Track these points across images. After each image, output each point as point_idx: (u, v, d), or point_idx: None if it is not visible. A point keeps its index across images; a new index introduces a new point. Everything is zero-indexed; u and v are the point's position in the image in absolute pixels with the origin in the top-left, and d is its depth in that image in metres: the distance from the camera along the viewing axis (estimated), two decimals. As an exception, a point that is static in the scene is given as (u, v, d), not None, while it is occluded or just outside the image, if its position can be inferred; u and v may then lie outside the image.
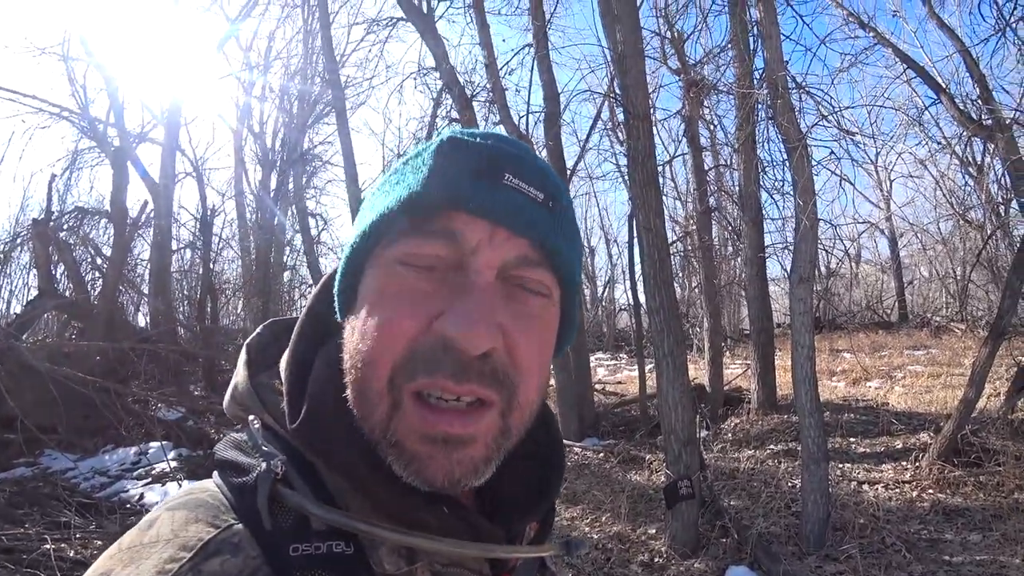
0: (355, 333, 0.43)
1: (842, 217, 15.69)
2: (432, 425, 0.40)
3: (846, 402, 6.73)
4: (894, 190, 16.17)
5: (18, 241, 11.51)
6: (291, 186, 11.81)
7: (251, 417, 0.48)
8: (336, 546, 0.40)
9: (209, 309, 10.96)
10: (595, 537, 4.05)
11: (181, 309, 12.87)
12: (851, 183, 4.76)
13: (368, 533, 0.40)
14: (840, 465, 4.72)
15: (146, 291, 10.60)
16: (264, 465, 0.42)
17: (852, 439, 5.34)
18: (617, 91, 4.41)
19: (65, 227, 10.38)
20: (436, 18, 6.06)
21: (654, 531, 4.01)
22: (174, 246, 11.73)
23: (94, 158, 11.39)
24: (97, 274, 10.50)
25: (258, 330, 0.54)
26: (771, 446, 5.40)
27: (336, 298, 0.48)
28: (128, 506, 5.55)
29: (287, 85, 11.35)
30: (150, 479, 6.05)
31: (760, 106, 4.16)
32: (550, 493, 0.51)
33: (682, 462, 3.72)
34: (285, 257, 13.88)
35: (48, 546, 3.28)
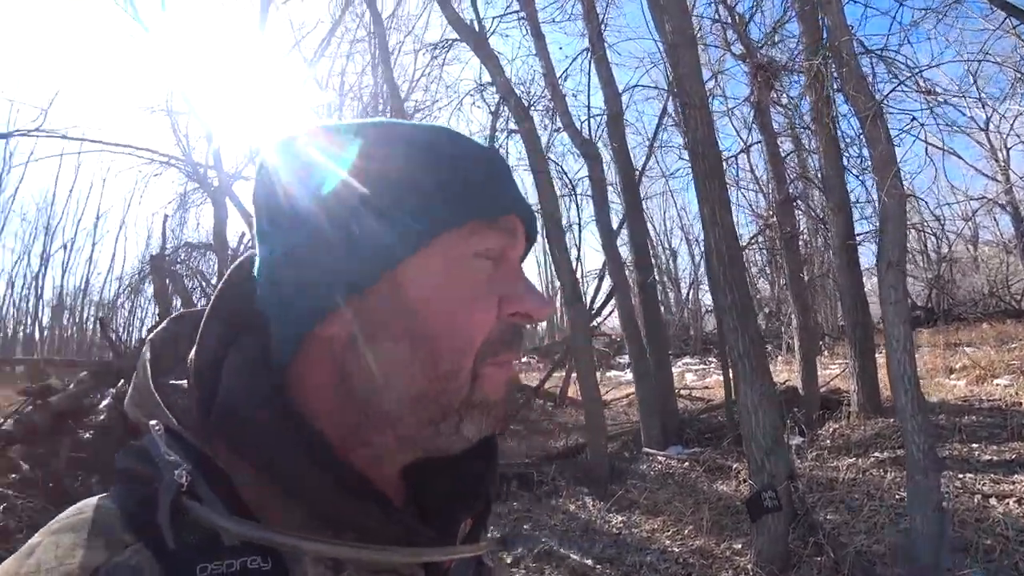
0: (430, 328, 0.43)
1: (951, 194, 13.96)
2: (511, 373, 0.46)
3: (967, 403, 5.97)
4: (1012, 159, 14.26)
5: (142, 275, 12.99)
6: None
7: (152, 422, 0.43)
8: (252, 562, 0.37)
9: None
10: (676, 551, 3.83)
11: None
12: (953, 153, 4.24)
13: (286, 545, 0.37)
14: (960, 476, 4.17)
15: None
16: (166, 475, 0.38)
17: (975, 445, 4.71)
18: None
19: (178, 261, 11.55)
20: (488, 34, 6.13)
21: (740, 546, 3.73)
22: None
23: (199, 198, 12.52)
24: (206, 300, 11.51)
25: (163, 324, 0.50)
26: (875, 453, 4.88)
27: (315, 295, 0.43)
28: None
29: (360, 116, 11.91)
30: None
31: (834, 77, 3.81)
32: (484, 488, 0.50)
33: (766, 471, 3.44)
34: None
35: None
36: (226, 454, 0.40)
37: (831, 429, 5.69)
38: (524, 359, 14.92)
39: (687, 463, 5.56)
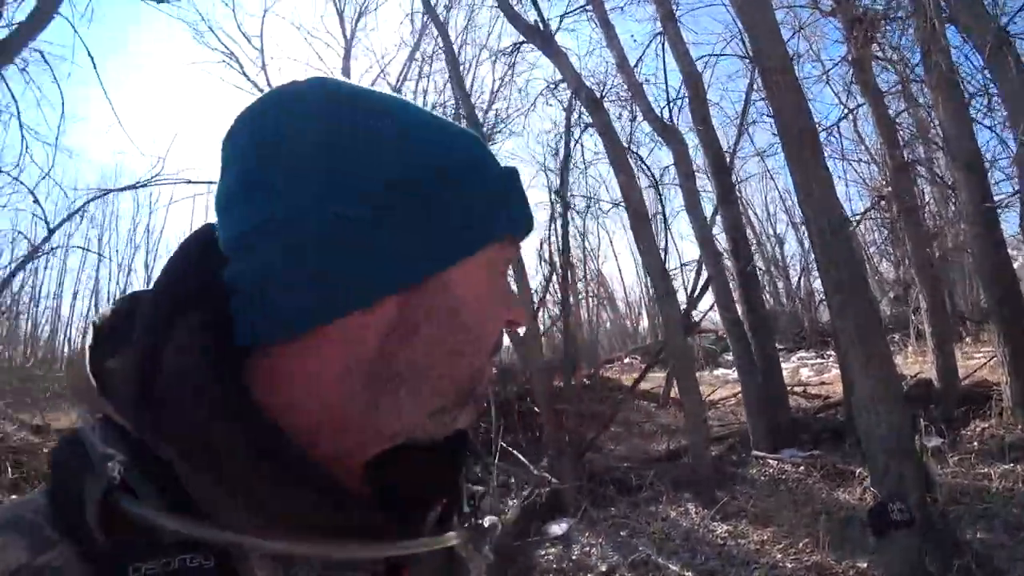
0: (468, 329, 0.44)
1: None
2: (492, 369, 0.49)
3: None
4: None
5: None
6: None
7: (85, 410, 0.40)
8: (192, 560, 0.34)
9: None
10: (788, 567, 3.44)
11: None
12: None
13: (230, 542, 0.35)
14: None
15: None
16: (97, 468, 0.35)
17: None
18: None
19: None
20: (554, 31, 6.02)
21: (864, 564, 3.27)
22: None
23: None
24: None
25: (111, 305, 0.46)
26: (1038, 457, 4.12)
27: (336, 284, 0.40)
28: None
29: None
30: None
31: (943, 6, 3.25)
32: (453, 475, 0.49)
33: (890, 477, 2.98)
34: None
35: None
36: (165, 444, 0.37)
37: (978, 429, 4.91)
38: (627, 359, 14.54)
39: (802, 467, 5.04)
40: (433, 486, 0.47)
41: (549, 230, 6.83)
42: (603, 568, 4.07)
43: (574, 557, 4.36)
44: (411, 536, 0.44)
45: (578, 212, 9.10)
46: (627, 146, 6.45)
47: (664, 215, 7.21)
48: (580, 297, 12.23)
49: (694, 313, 7.65)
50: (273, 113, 0.43)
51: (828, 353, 13.05)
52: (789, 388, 7.15)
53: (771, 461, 5.35)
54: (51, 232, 4.34)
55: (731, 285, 6.59)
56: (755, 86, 6.33)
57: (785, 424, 6.02)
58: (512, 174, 0.48)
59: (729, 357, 11.26)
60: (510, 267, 0.54)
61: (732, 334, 6.34)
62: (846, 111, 6.18)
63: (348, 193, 0.40)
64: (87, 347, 0.42)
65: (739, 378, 6.38)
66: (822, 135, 4.96)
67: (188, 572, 0.34)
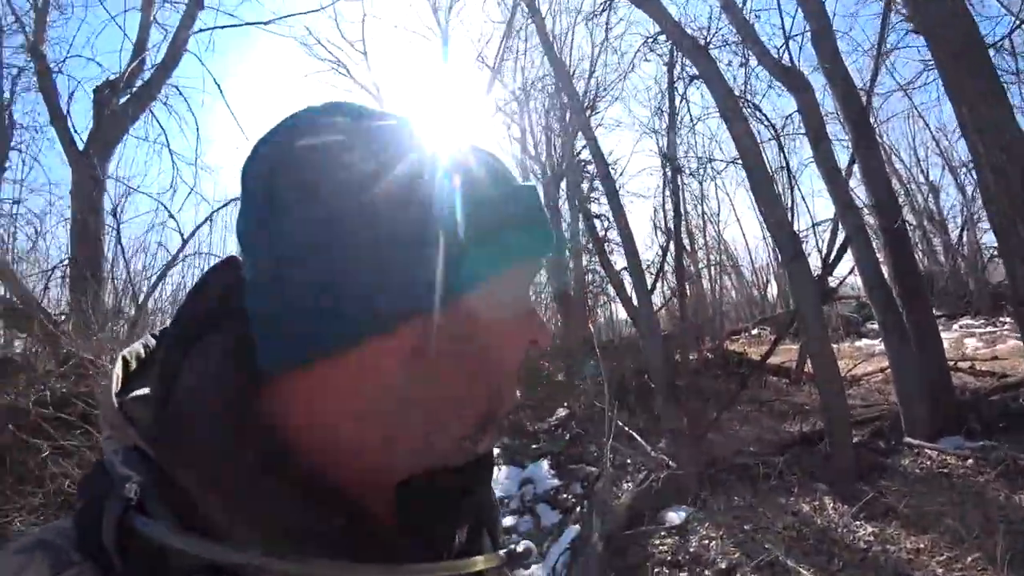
0: (491, 353, 0.45)
1: None
2: (515, 391, 0.48)
3: None
4: None
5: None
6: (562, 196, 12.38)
7: (106, 435, 0.42)
8: None
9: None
10: (955, 585, 2.85)
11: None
12: None
13: (246, 564, 0.35)
14: None
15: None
16: (116, 491, 0.37)
17: None
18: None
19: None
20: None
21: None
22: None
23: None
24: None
25: (141, 339, 0.49)
26: None
27: (355, 309, 0.41)
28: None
29: (548, 107, 11.99)
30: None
31: None
32: (479, 490, 0.50)
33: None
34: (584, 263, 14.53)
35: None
36: (181, 468, 0.38)
37: None
38: (755, 331, 13.61)
39: (970, 461, 4.23)
40: (458, 509, 0.48)
41: (662, 196, 6.33)
42: (723, 565, 3.70)
43: (691, 550, 4.03)
44: (435, 560, 0.43)
45: (692, 174, 8.42)
46: (740, 96, 5.73)
47: (788, 170, 6.41)
48: (701, 265, 11.47)
49: (830, 278, 6.80)
50: (292, 145, 0.42)
51: (1002, 320, 11.06)
52: (952, 363, 6.10)
53: (929, 452, 4.56)
54: (185, 242, 4.77)
55: (875, 245, 5.69)
56: (893, 3, 5.28)
57: (948, 406, 5.10)
58: (529, 193, 0.47)
59: (873, 326, 9.94)
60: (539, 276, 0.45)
61: (876, 300, 5.48)
62: (1017, 21, 4.94)
63: (357, 216, 0.40)
64: (114, 375, 0.44)
65: (886, 351, 5.52)
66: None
67: None
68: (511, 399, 0.47)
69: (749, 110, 5.72)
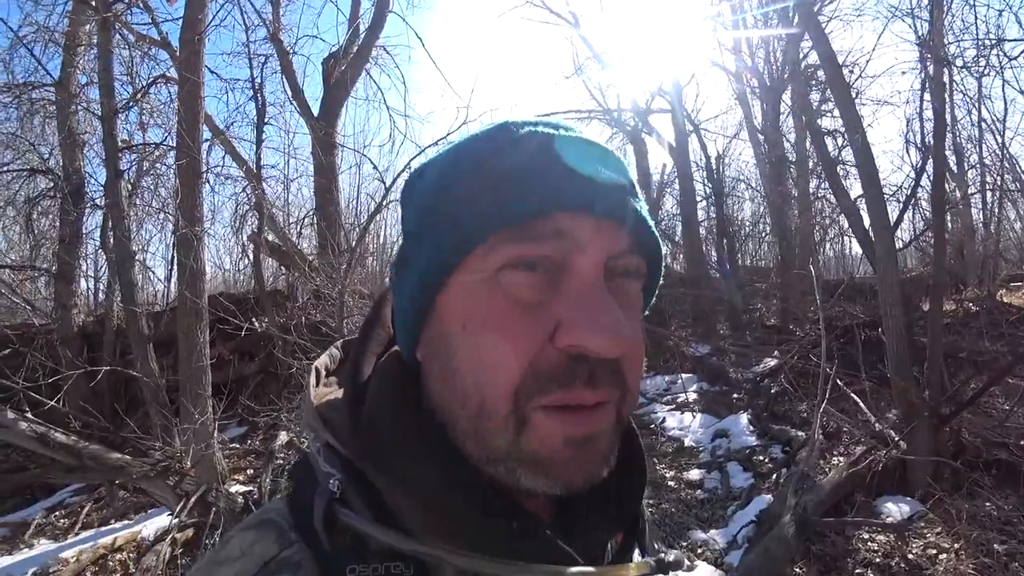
0: (458, 360, 0.42)
1: None
2: (573, 429, 0.41)
3: None
4: None
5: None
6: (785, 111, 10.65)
7: (312, 436, 0.49)
8: (395, 567, 0.41)
9: (727, 251, 11.30)
10: None
11: (709, 255, 13.85)
12: None
13: (425, 555, 0.40)
14: None
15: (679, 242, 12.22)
16: (322, 484, 0.44)
17: None
18: None
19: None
20: None
21: None
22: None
23: (618, 144, 13.54)
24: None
25: (329, 350, 0.58)
26: None
27: (407, 322, 0.47)
28: (652, 426, 6.36)
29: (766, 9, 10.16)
30: (674, 406, 6.93)
31: None
32: (632, 499, 0.50)
33: None
34: (810, 186, 12.66)
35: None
36: (374, 471, 0.44)
37: None
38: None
39: None
40: (612, 515, 0.48)
41: (919, 102, 4.89)
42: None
43: (910, 557, 3.33)
44: (591, 564, 0.44)
45: (966, 67, 6.38)
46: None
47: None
48: (971, 190, 8.87)
49: None
50: (424, 170, 0.48)
51: None
52: None
53: None
54: (388, 189, 5.26)
55: None
56: None
57: None
58: (503, 153, 0.43)
59: None
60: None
61: None
62: None
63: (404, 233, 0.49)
64: (311, 386, 0.52)
65: None
66: None
67: None
68: (546, 432, 0.41)
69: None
